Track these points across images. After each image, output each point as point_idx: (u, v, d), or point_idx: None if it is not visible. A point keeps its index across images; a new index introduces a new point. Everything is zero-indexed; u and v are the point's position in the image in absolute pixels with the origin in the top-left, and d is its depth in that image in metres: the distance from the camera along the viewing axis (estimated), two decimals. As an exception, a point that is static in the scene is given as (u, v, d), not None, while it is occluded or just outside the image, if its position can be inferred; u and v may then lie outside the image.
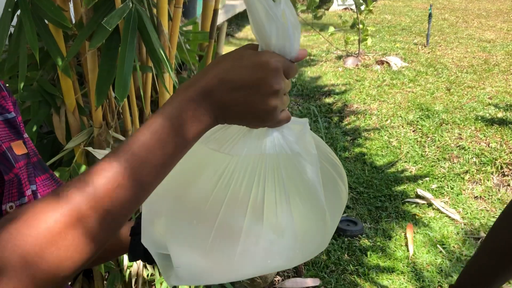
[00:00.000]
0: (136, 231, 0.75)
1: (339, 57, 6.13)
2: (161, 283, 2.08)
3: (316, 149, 0.66)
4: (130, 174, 0.49)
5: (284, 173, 0.61)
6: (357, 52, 5.97)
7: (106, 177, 0.48)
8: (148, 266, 2.07)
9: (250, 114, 0.55)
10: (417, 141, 3.97)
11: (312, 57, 6.35)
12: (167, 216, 0.65)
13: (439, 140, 3.91)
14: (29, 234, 0.44)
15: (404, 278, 2.55)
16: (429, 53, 6.10)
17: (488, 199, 3.22)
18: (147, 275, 2.10)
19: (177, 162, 0.54)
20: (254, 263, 0.64)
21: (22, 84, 1.50)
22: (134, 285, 2.01)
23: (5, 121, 0.70)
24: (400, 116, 4.36)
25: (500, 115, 4.12)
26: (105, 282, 1.96)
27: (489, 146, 3.72)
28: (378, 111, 4.53)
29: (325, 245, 0.73)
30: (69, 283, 2.01)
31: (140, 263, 1.96)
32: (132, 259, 0.79)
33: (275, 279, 2.55)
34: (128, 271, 1.98)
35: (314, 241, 0.68)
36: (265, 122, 0.57)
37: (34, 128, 1.71)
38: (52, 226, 0.45)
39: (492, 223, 2.95)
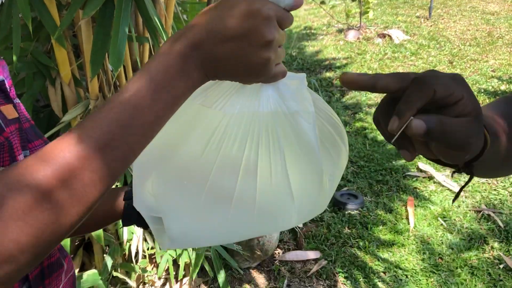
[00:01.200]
0: (130, 196, 0.73)
1: (340, 31, 6.05)
2: (161, 257, 2.09)
3: (314, 107, 0.62)
4: (117, 134, 0.46)
5: (280, 131, 0.58)
6: (359, 25, 5.88)
7: (92, 137, 0.45)
8: (148, 239, 2.07)
9: (242, 67, 0.51)
10: (419, 115, 3.94)
11: (312, 31, 6.26)
12: (157, 177, 0.62)
13: (441, 114, 3.87)
14: (41, 174, 0.43)
15: (404, 251, 2.55)
16: (431, 26, 6.01)
17: (490, 172, 3.20)
18: (147, 249, 2.10)
19: (166, 121, 0.51)
20: (248, 225, 0.62)
21: (16, 56, 1.47)
22: (134, 258, 2.01)
23: None
24: (402, 90, 4.32)
25: (503, 87, 4.07)
26: (105, 255, 1.96)
27: (491, 119, 3.68)
28: (380, 85, 4.48)
29: (323, 207, 0.70)
30: (72, 255, 2.02)
31: (140, 236, 1.96)
32: (125, 223, 0.78)
33: (275, 252, 2.56)
34: (128, 244, 1.98)
35: (310, 202, 0.65)
36: (259, 77, 0.54)
37: (30, 101, 1.69)
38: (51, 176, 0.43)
39: (493, 196, 2.94)
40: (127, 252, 2.03)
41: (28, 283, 0.65)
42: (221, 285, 2.11)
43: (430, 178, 3.17)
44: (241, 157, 0.58)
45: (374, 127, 3.83)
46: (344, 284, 2.35)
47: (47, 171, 0.43)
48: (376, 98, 4.27)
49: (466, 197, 2.97)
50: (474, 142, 0.53)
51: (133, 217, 0.75)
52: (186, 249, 2.10)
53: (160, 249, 2.12)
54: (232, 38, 0.49)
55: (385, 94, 0.56)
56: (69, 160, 0.44)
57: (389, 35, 5.61)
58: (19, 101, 0.74)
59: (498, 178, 3.12)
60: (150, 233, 2.11)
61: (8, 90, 0.70)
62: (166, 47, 0.50)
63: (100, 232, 1.67)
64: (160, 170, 0.61)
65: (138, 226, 0.77)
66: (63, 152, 0.44)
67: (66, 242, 1.66)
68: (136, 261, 2.07)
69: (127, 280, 2.09)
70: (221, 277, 2.11)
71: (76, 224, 0.46)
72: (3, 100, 0.68)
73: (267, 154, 0.58)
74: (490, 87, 4.09)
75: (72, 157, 0.44)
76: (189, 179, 0.60)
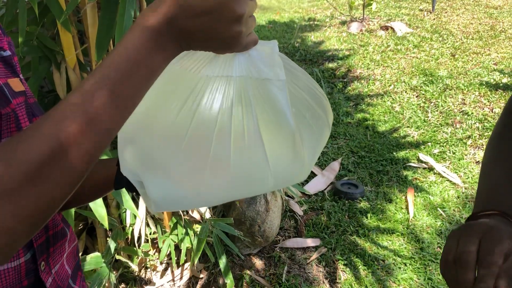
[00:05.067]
0: None
1: (343, 22, 6.04)
2: (163, 241, 2.11)
3: (293, 77, 0.65)
4: (101, 110, 0.48)
5: (252, 96, 0.60)
6: (362, 17, 5.88)
7: (77, 115, 0.47)
8: (150, 224, 2.09)
9: (214, 40, 0.53)
10: (420, 107, 3.95)
11: (316, 22, 6.26)
12: (134, 142, 0.63)
13: (442, 106, 3.89)
14: (30, 151, 0.45)
15: (403, 240, 2.58)
16: (434, 19, 6.00)
17: (490, 164, 3.22)
18: (150, 233, 2.13)
19: (146, 91, 0.53)
20: (225, 187, 0.63)
21: (22, 39, 1.49)
22: (137, 242, 2.04)
23: (0, 58, 0.70)
24: (404, 82, 4.33)
25: (505, 80, 4.08)
26: (108, 239, 1.99)
27: (492, 112, 3.70)
28: (382, 77, 4.49)
29: (303, 176, 0.71)
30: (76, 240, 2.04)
31: (143, 220, 1.98)
32: (116, 187, 0.80)
33: (276, 238, 2.59)
34: (130, 228, 2.01)
35: (286, 167, 0.66)
36: (231, 49, 0.55)
37: (35, 85, 1.71)
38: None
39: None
40: (129, 236, 2.06)
41: (32, 250, 0.68)
42: (222, 270, 2.14)
43: (430, 169, 3.19)
44: (215, 119, 0.59)
45: (376, 117, 3.86)
46: (344, 271, 2.38)
47: (37, 147, 0.45)
48: (378, 89, 4.28)
49: (465, 188, 2.99)
50: None
51: (123, 181, 0.77)
52: (188, 234, 2.12)
53: (162, 234, 2.15)
54: (203, 13, 0.50)
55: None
56: (57, 137, 0.46)
57: (392, 28, 5.60)
58: (23, 78, 0.76)
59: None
60: (153, 217, 2.14)
61: (15, 65, 0.72)
62: (140, 22, 0.51)
63: (104, 215, 1.70)
64: (138, 136, 0.63)
65: (128, 190, 0.80)
66: (50, 130, 0.46)
67: (70, 223, 1.68)
68: (139, 245, 2.09)
69: (130, 263, 2.13)
70: (223, 262, 2.14)
71: (68, 194, 0.49)
72: (10, 74, 0.70)
73: (240, 117, 0.60)
74: (492, 80, 4.10)
75: (60, 135, 0.46)
76: (166, 142, 0.61)
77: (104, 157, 1.65)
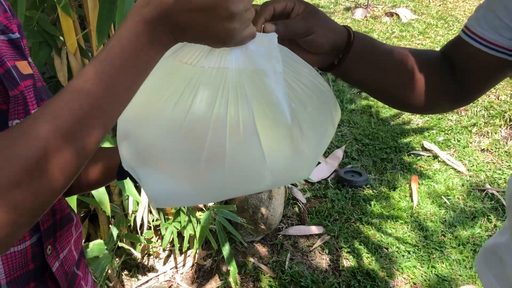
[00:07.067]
0: None
1: (347, 9, 5.98)
2: (166, 228, 2.11)
3: (296, 71, 0.64)
4: (95, 105, 0.48)
5: (248, 89, 0.59)
6: (366, 3, 5.81)
7: (71, 110, 0.47)
8: (153, 211, 2.08)
9: (208, 36, 0.53)
10: (425, 94, 3.91)
11: (319, 8, 6.20)
12: (131, 137, 0.63)
13: (447, 93, 3.85)
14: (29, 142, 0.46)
15: (407, 227, 2.57)
16: (440, 5, 5.93)
17: (495, 151, 3.19)
18: (153, 220, 2.12)
19: (141, 84, 0.52)
20: (223, 182, 0.62)
21: (21, 23, 1.46)
22: (139, 229, 2.03)
23: (9, 41, 0.69)
24: (409, 69, 4.28)
25: (511, 68, 4.04)
26: (110, 226, 1.98)
27: (498, 99, 3.66)
28: (386, 64, 4.44)
29: (304, 173, 0.69)
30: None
31: (145, 207, 1.98)
32: (119, 178, 0.81)
33: (279, 226, 2.58)
34: (133, 215, 2.00)
35: (285, 163, 0.64)
36: (226, 44, 0.55)
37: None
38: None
39: (498, 176, 2.94)
40: (132, 223, 2.05)
41: (39, 234, 0.68)
42: (225, 257, 2.13)
43: (435, 157, 3.17)
44: (211, 111, 0.58)
45: (380, 105, 3.82)
46: (347, 258, 2.38)
47: (35, 142, 0.46)
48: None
49: (470, 176, 2.97)
50: (318, 30, 0.72)
51: (126, 173, 0.77)
52: (191, 222, 2.12)
53: (165, 221, 2.14)
54: (197, 9, 0.49)
55: None
56: (55, 132, 0.46)
57: (396, 14, 5.54)
58: (31, 61, 0.75)
59: (502, 158, 3.12)
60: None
61: (24, 48, 0.72)
62: (135, 14, 0.50)
63: (106, 202, 1.69)
64: (134, 130, 0.62)
65: (131, 181, 0.80)
66: (47, 125, 0.46)
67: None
68: (141, 232, 2.09)
69: (132, 250, 2.12)
70: (226, 249, 2.13)
71: (67, 185, 0.50)
72: (19, 56, 0.70)
73: (236, 110, 0.58)
74: (498, 67, 4.06)
75: (57, 130, 0.47)
76: (161, 136, 0.60)
77: (107, 145, 1.64)
